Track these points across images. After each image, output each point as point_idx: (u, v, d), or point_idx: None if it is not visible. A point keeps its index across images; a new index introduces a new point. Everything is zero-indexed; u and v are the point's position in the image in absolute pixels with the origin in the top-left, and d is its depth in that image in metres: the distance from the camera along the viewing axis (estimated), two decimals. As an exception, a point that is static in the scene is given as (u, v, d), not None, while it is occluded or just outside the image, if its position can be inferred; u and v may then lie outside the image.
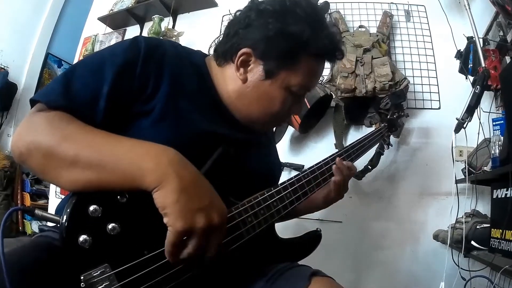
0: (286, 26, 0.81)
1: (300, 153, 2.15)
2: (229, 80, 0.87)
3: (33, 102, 0.71)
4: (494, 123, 1.61)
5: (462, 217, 1.57)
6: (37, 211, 0.61)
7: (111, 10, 2.86)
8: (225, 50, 0.87)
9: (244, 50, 0.84)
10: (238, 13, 0.90)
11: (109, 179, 0.62)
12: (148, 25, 2.68)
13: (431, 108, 2.03)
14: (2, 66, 3.53)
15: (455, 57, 1.80)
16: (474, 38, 1.67)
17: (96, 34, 2.92)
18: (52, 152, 0.62)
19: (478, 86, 1.50)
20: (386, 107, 1.79)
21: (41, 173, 0.66)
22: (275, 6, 0.83)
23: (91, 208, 0.60)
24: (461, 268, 1.50)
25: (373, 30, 2.10)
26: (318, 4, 1.83)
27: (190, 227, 0.60)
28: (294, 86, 0.85)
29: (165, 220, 0.60)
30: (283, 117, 0.93)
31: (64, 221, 0.57)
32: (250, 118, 0.89)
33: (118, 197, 0.63)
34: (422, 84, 2.06)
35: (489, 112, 1.67)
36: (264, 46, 0.82)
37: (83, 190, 0.61)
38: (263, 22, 0.82)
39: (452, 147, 1.65)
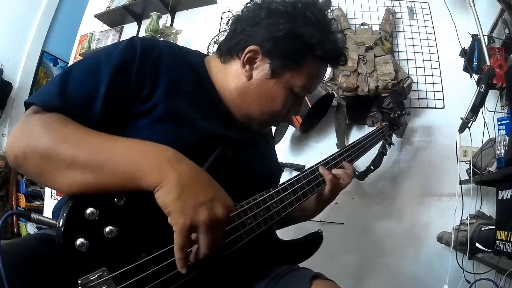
0: (297, 27, 0.82)
1: (301, 153, 2.14)
2: (232, 77, 0.87)
3: (27, 105, 0.71)
4: (499, 123, 1.63)
5: (467, 218, 1.56)
6: (33, 215, 0.60)
7: (108, 7, 2.84)
8: (231, 46, 0.88)
9: (251, 47, 0.84)
10: (245, 10, 0.90)
11: (108, 180, 0.61)
12: (145, 23, 2.68)
13: (435, 107, 2.02)
14: (-3, 65, 3.49)
15: (459, 55, 1.79)
16: (479, 36, 1.65)
17: (92, 32, 2.90)
18: (49, 154, 0.62)
19: (483, 85, 1.49)
20: (389, 106, 1.77)
21: (37, 176, 0.65)
22: (287, 7, 0.84)
23: (88, 211, 0.59)
24: (465, 270, 1.50)
25: (376, 27, 2.08)
26: (320, 1, 1.81)
27: (193, 222, 0.60)
28: (297, 87, 0.86)
29: (169, 220, 0.60)
30: (281, 117, 0.93)
31: (60, 224, 0.57)
32: (250, 116, 0.89)
33: (115, 199, 0.62)
34: (425, 83, 2.05)
35: (494, 112, 1.68)
36: (272, 45, 0.83)
37: (81, 192, 0.61)
38: (273, 22, 0.83)
39: (456, 147, 1.64)
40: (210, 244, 0.62)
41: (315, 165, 0.98)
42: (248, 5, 0.90)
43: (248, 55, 0.84)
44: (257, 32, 0.84)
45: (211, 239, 0.62)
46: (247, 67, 0.85)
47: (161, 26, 2.50)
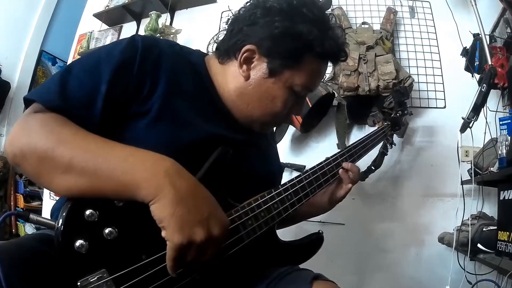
0: (294, 25, 0.81)
1: (302, 153, 2.13)
2: (231, 78, 0.86)
3: (27, 101, 0.71)
4: (501, 123, 1.61)
5: (468, 219, 1.55)
6: (31, 216, 0.60)
7: (107, 6, 2.83)
8: (228, 47, 0.87)
9: (248, 46, 0.83)
10: (241, 10, 0.89)
11: (103, 187, 0.61)
12: (145, 22, 2.66)
13: (436, 107, 2.01)
14: (-5, 64, 3.47)
15: (461, 55, 1.79)
16: (480, 35, 1.65)
17: (91, 31, 2.89)
18: (47, 156, 0.61)
19: (484, 85, 1.49)
20: (390, 106, 1.76)
21: (34, 176, 0.65)
22: (282, 5, 0.83)
23: (87, 212, 0.58)
24: (467, 271, 1.49)
25: (377, 26, 2.07)
26: (320, 0, 1.81)
27: (189, 241, 0.59)
28: (297, 85, 0.85)
29: (163, 233, 0.59)
30: (283, 117, 0.92)
31: (59, 225, 0.56)
32: (251, 117, 0.88)
33: (115, 201, 0.62)
34: (427, 83, 2.04)
35: (496, 111, 1.66)
36: (269, 44, 0.82)
37: (77, 196, 0.60)
38: (269, 20, 0.82)
39: (457, 147, 1.62)
40: (203, 261, 0.62)
41: (317, 165, 0.98)
42: (246, 5, 0.89)
43: (245, 55, 0.83)
44: (254, 31, 0.83)
45: (204, 257, 0.62)
46: (244, 67, 0.84)
47: (160, 25, 2.49)
